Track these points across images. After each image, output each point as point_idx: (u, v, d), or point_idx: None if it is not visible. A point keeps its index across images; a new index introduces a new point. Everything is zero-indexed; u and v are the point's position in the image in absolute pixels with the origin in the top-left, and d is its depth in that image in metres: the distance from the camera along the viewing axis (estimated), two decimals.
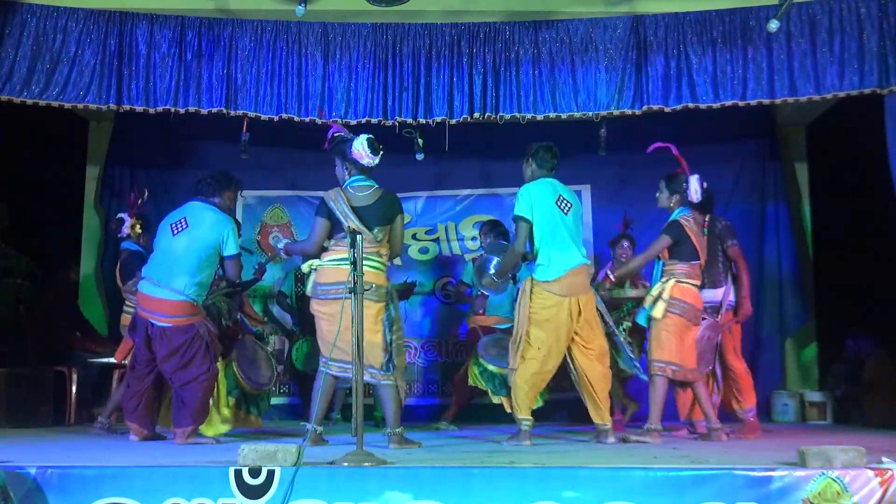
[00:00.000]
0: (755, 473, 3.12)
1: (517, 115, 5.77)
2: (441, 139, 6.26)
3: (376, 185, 4.71)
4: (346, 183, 4.71)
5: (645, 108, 5.69)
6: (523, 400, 4.68)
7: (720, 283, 5.48)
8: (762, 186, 7.58)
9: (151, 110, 5.74)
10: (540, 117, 5.80)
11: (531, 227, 4.73)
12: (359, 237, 3.73)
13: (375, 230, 4.57)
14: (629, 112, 5.74)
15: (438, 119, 5.79)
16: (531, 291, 4.72)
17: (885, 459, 3.16)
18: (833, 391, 7.05)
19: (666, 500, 3.08)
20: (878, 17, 5.46)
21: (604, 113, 5.79)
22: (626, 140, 6.65)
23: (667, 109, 5.69)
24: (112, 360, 6.42)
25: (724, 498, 3.07)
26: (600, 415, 4.76)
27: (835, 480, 3.06)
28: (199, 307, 4.84)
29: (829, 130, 7.36)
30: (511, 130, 6.79)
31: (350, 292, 3.71)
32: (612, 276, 5.32)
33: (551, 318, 4.66)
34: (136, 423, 4.85)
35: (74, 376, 6.34)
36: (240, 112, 5.79)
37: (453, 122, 5.82)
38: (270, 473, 3.17)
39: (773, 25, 5.23)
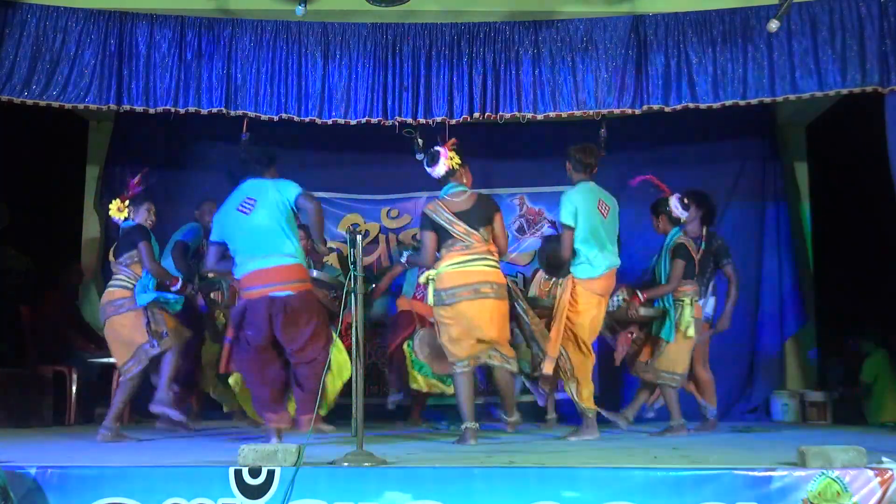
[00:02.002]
0: (755, 473, 3.11)
1: (517, 114, 5.76)
2: (441, 139, 6.26)
3: (469, 190, 4.89)
4: (441, 193, 4.89)
5: (645, 107, 5.69)
6: (591, 392, 4.96)
7: (703, 296, 5.76)
8: (762, 186, 7.57)
9: (151, 110, 5.74)
10: (540, 117, 5.80)
11: (574, 233, 4.97)
12: (358, 237, 3.72)
13: (481, 230, 4.74)
14: (629, 112, 5.75)
15: (438, 119, 5.78)
16: (572, 289, 4.92)
17: (885, 459, 3.16)
18: (832, 391, 7.06)
19: (666, 500, 3.08)
20: (879, 17, 5.46)
21: (604, 112, 5.79)
22: (626, 140, 6.66)
23: (667, 109, 5.69)
24: (112, 360, 6.44)
25: (724, 498, 3.07)
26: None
27: (835, 480, 3.06)
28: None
29: (829, 130, 7.36)
30: (511, 130, 6.81)
31: (350, 292, 3.71)
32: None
33: (589, 314, 4.91)
34: (278, 414, 4.54)
35: (74, 376, 6.34)
36: (240, 112, 5.79)
37: (453, 122, 5.81)
38: (270, 473, 3.17)
39: (774, 25, 5.24)
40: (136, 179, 5.32)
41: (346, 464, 3.34)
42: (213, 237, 4.70)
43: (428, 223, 4.78)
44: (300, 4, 5.41)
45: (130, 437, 5.02)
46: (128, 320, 5.13)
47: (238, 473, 3.19)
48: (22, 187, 6.58)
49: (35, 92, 5.55)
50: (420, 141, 6.54)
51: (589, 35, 5.75)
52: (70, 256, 7.31)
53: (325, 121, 5.78)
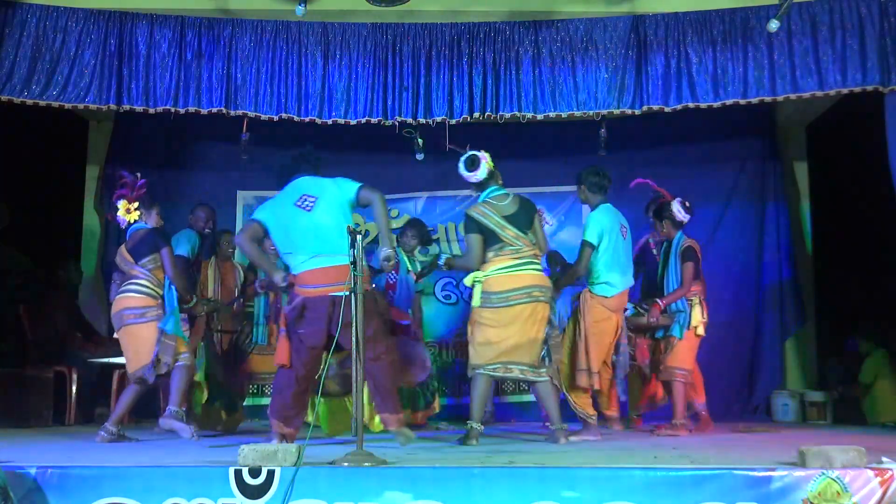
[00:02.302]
0: (755, 473, 3.11)
1: (517, 114, 5.77)
2: (441, 139, 6.26)
3: (511, 193, 4.92)
4: (483, 196, 4.89)
5: (645, 107, 5.70)
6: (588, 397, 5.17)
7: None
8: (762, 186, 7.58)
9: (151, 110, 5.74)
10: (540, 117, 5.80)
11: (593, 252, 5.13)
12: (358, 237, 3.72)
13: (528, 234, 4.80)
14: (629, 112, 5.75)
15: (438, 119, 5.79)
16: (588, 305, 5.14)
17: (885, 459, 3.16)
18: (832, 391, 7.06)
19: (666, 500, 3.08)
20: (879, 17, 5.46)
21: (604, 112, 5.80)
22: (626, 140, 6.66)
23: (667, 109, 5.70)
24: (112, 360, 6.43)
25: (724, 498, 3.07)
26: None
27: (835, 480, 3.06)
28: None
29: (829, 130, 7.36)
30: (511, 130, 6.80)
31: (350, 292, 3.71)
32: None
33: (604, 329, 5.15)
34: (290, 427, 4.42)
35: (74, 376, 6.33)
36: (240, 112, 5.79)
37: (453, 122, 5.81)
38: (270, 473, 3.17)
39: (774, 25, 5.24)
40: (141, 182, 5.19)
41: (346, 464, 3.34)
42: (259, 216, 4.56)
43: (475, 226, 4.75)
44: (300, 4, 5.41)
45: (131, 438, 4.99)
46: (149, 332, 4.94)
47: (238, 473, 3.18)
48: (22, 187, 6.58)
49: (35, 92, 5.55)
50: (420, 141, 6.54)
51: (589, 35, 5.75)
52: (70, 256, 7.30)
53: (325, 121, 5.78)
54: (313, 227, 4.41)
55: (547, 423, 5.11)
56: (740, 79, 5.60)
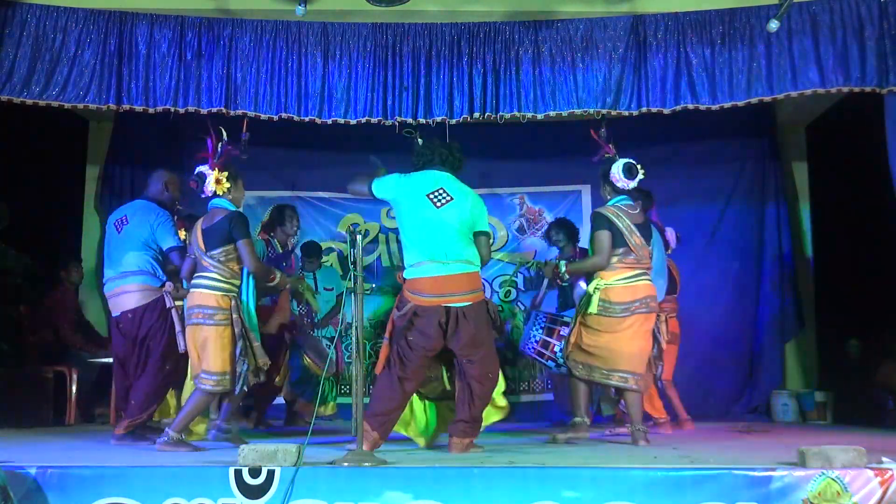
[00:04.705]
0: (755, 473, 3.12)
1: (517, 114, 5.76)
2: (441, 139, 6.25)
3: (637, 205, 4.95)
4: (614, 201, 4.90)
5: (644, 109, 5.69)
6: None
7: None
8: (762, 186, 7.59)
9: (151, 110, 5.73)
10: (540, 117, 5.80)
11: None
12: (358, 237, 3.72)
13: (649, 245, 4.87)
14: (626, 113, 5.75)
15: (438, 119, 5.78)
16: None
17: (885, 459, 3.16)
18: (833, 391, 7.06)
19: (666, 500, 3.08)
20: (879, 17, 5.46)
21: (604, 112, 5.79)
22: (626, 140, 6.64)
23: (665, 111, 5.70)
24: (112, 360, 6.43)
25: (724, 498, 3.07)
26: None
27: (835, 480, 3.06)
28: None
29: (828, 130, 7.36)
30: (511, 130, 6.80)
31: (350, 292, 3.71)
32: (563, 267, 5.42)
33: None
34: (378, 431, 4.18)
35: (74, 376, 6.33)
36: (240, 112, 5.78)
37: (453, 122, 5.81)
38: (270, 473, 3.17)
39: (773, 25, 5.24)
40: (227, 144, 4.76)
41: (346, 464, 3.35)
42: (379, 187, 4.42)
43: (606, 224, 4.79)
44: (300, 4, 5.41)
45: (192, 447, 4.49)
46: (217, 336, 4.45)
47: (238, 473, 3.19)
48: (22, 187, 6.56)
49: (35, 92, 5.54)
50: (420, 141, 6.53)
51: (589, 35, 5.75)
52: (70, 256, 7.30)
53: (324, 120, 5.78)
54: (436, 224, 4.27)
55: (626, 426, 5.00)
56: (739, 79, 5.59)
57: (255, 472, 3.18)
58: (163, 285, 4.86)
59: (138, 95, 5.68)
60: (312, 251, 6.77)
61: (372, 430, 4.10)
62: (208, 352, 4.43)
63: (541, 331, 5.59)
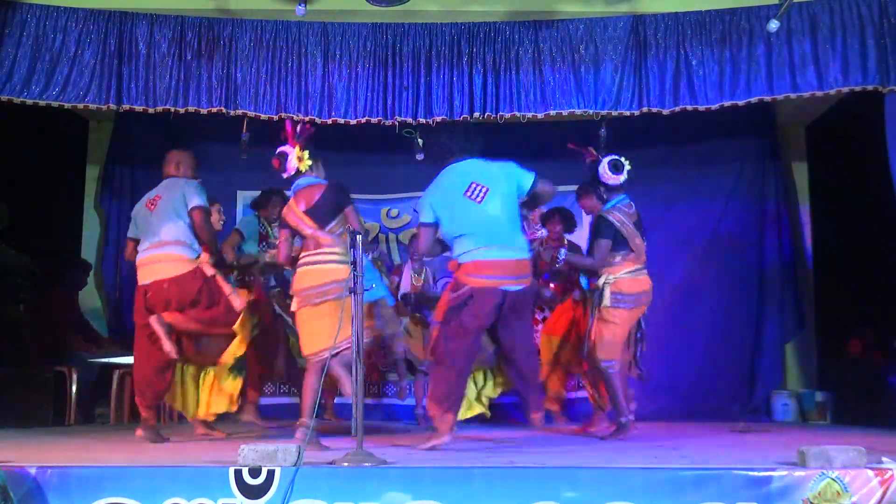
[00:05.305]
0: (755, 473, 3.11)
1: (517, 114, 5.77)
2: (441, 139, 6.24)
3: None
4: (614, 202, 5.05)
5: (644, 109, 5.69)
6: None
7: None
8: (762, 186, 7.59)
9: (151, 110, 5.74)
10: (540, 117, 5.81)
11: None
12: (358, 237, 3.72)
13: (645, 242, 5.08)
14: (626, 113, 5.75)
15: (438, 119, 5.79)
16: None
17: (885, 459, 3.16)
18: (833, 391, 7.06)
19: (666, 500, 3.08)
20: (879, 17, 5.46)
21: (603, 113, 5.80)
22: (626, 140, 6.65)
23: (665, 112, 5.70)
24: (112, 360, 6.43)
25: (724, 498, 3.07)
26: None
27: (835, 480, 3.06)
28: None
29: (828, 130, 7.36)
30: (511, 130, 6.80)
31: (350, 292, 3.71)
32: (561, 253, 5.50)
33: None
34: (450, 414, 4.27)
35: (74, 376, 6.33)
36: (240, 112, 5.79)
37: (453, 122, 5.81)
38: (270, 473, 3.17)
39: (774, 25, 5.24)
40: (305, 127, 4.76)
41: (346, 464, 3.34)
42: (426, 219, 4.38)
43: (611, 231, 4.96)
44: (300, 4, 5.41)
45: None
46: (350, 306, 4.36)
47: (238, 473, 3.18)
48: (22, 187, 6.56)
49: (35, 92, 5.55)
50: (420, 141, 6.54)
51: (589, 35, 5.75)
52: (70, 256, 7.30)
53: (324, 120, 5.78)
54: (485, 219, 4.29)
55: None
56: (740, 80, 5.60)
57: (255, 472, 3.18)
58: (198, 257, 4.82)
59: (138, 95, 5.69)
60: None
61: (444, 412, 4.21)
62: (332, 324, 4.27)
63: None
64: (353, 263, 3.69)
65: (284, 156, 4.68)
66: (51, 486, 3.22)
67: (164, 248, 4.81)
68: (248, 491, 3.16)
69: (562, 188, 7.66)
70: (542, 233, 5.46)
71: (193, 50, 5.74)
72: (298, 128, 4.73)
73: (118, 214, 7.63)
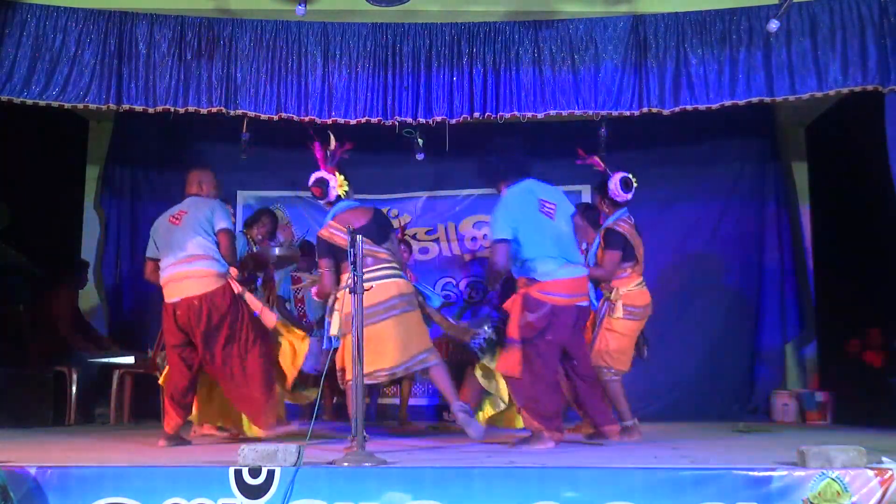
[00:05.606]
0: (755, 473, 3.11)
1: (517, 114, 5.77)
2: (441, 139, 6.26)
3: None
4: (619, 215, 5.13)
5: (644, 109, 5.69)
6: None
7: None
8: (762, 186, 7.60)
9: (151, 110, 5.74)
10: (540, 117, 5.81)
11: None
12: (358, 237, 3.72)
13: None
14: (626, 114, 5.75)
15: (438, 119, 5.79)
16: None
17: (885, 459, 3.16)
18: (833, 391, 7.06)
19: (666, 500, 3.08)
20: (879, 17, 5.46)
21: (603, 113, 5.80)
22: (626, 140, 6.66)
23: (665, 112, 5.70)
24: (112, 360, 6.43)
25: (724, 498, 3.06)
26: None
27: (835, 480, 3.06)
28: None
29: (828, 131, 7.36)
30: (511, 130, 6.80)
31: (350, 292, 3.71)
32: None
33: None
34: (559, 428, 4.42)
35: (74, 376, 6.33)
36: (240, 112, 5.79)
37: (453, 122, 5.82)
38: (270, 473, 3.17)
39: (774, 25, 5.24)
40: (337, 146, 4.83)
41: (346, 464, 3.34)
42: (504, 234, 4.36)
43: (621, 244, 5.04)
44: (300, 4, 5.40)
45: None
46: (418, 319, 4.62)
47: (238, 473, 3.18)
48: (22, 187, 6.57)
49: (35, 92, 5.54)
50: (420, 141, 6.55)
51: (589, 35, 5.75)
52: (70, 256, 7.30)
53: (324, 120, 5.78)
54: (558, 235, 4.44)
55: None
56: (740, 80, 5.60)
57: (255, 472, 3.18)
58: (227, 271, 4.73)
59: (138, 95, 5.69)
60: (309, 251, 6.73)
61: (556, 429, 4.35)
62: (419, 332, 4.57)
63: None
64: (353, 263, 3.69)
65: (325, 183, 4.72)
66: (51, 486, 3.22)
67: (194, 264, 4.66)
68: (248, 491, 3.16)
69: (562, 188, 7.72)
70: None
71: (193, 50, 5.74)
72: (328, 151, 4.77)
73: (118, 214, 7.65)
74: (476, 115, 5.77)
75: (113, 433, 5.53)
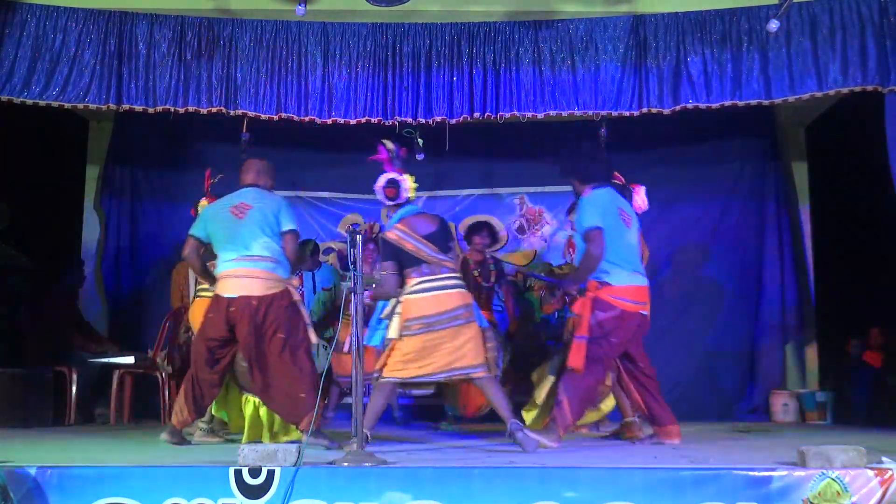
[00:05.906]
0: (755, 473, 3.11)
1: (517, 114, 5.77)
2: (441, 139, 6.26)
3: None
4: None
5: (644, 109, 5.69)
6: None
7: None
8: (762, 186, 7.59)
9: (151, 110, 5.74)
10: (540, 117, 5.81)
11: None
12: (358, 237, 3.73)
13: None
14: (626, 114, 5.75)
15: (438, 119, 5.79)
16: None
17: (885, 459, 3.16)
18: (833, 391, 7.06)
19: (666, 500, 3.08)
20: (879, 17, 5.46)
21: (603, 113, 5.80)
22: (626, 140, 6.66)
23: (665, 112, 5.69)
24: (112, 360, 6.42)
25: (724, 498, 3.07)
26: None
27: (835, 480, 3.06)
28: None
29: (828, 130, 7.36)
30: (511, 130, 6.81)
31: (350, 292, 3.71)
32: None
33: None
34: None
35: (74, 376, 6.33)
36: (239, 112, 5.79)
37: (453, 122, 5.82)
38: (270, 473, 3.17)
39: (774, 25, 5.24)
40: (397, 148, 4.79)
41: (346, 464, 3.35)
42: (598, 223, 4.48)
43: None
44: (300, 4, 5.41)
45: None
46: (477, 331, 4.49)
47: (238, 473, 3.18)
48: (22, 187, 6.57)
49: (35, 92, 5.55)
50: (420, 141, 6.54)
51: (589, 35, 5.76)
52: (70, 256, 7.30)
53: (324, 120, 5.78)
54: (630, 245, 4.62)
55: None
56: (739, 80, 5.60)
57: (255, 472, 3.18)
58: (289, 278, 4.63)
59: (138, 95, 5.69)
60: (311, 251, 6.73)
61: (563, 431, 4.46)
62: (475, 345, 4.41)
63: None
64: (353, 263, 3.69)
65: (398, 184, 4.66)
66: (51, 486, 3.23)
67: (258, 264, 4.49)
68: (248, 491, 3.16)
69: (562, 188, 7.71)
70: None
71: (193, 50, 5.74)
72: (392, 152, 4.75)
73: (118, 214, 7.63)
74: (476, 115, 5.77)
75: (113, 433, 5.53)
